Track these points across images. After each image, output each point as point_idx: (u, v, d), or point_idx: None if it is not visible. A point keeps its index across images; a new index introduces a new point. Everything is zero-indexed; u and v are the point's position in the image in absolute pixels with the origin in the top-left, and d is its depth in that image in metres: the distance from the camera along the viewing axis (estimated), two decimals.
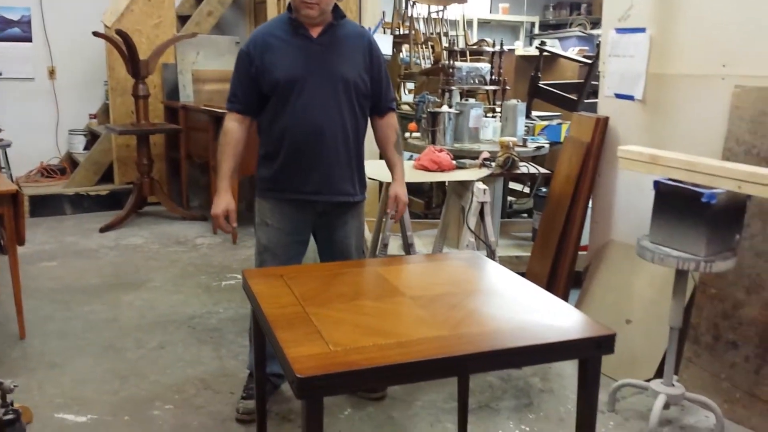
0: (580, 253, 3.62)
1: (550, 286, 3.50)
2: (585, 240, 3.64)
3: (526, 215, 5.45)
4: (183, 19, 6.52)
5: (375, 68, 2.58)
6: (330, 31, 2.50)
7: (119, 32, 5.31)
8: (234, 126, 2.56)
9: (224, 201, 2.57)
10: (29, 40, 6.43)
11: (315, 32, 2.49)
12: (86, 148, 6.59)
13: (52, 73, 6.55)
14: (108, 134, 6.09)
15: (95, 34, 5.58)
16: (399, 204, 2.68)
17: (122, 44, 5.35)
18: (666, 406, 2.62)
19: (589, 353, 1.70)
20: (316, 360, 1.52)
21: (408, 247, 3.36)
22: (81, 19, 6.25)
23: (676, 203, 2.44)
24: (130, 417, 2.68)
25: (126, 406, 2.76)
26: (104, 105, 6.66)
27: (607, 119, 3.38)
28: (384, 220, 3.33)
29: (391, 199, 2.68)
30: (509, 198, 5.67)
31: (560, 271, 3.56)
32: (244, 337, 3.36)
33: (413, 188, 5.68)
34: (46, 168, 6.54)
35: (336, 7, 2.53)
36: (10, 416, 2.36)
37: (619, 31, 3.29)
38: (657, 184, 2.50)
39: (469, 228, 3.16)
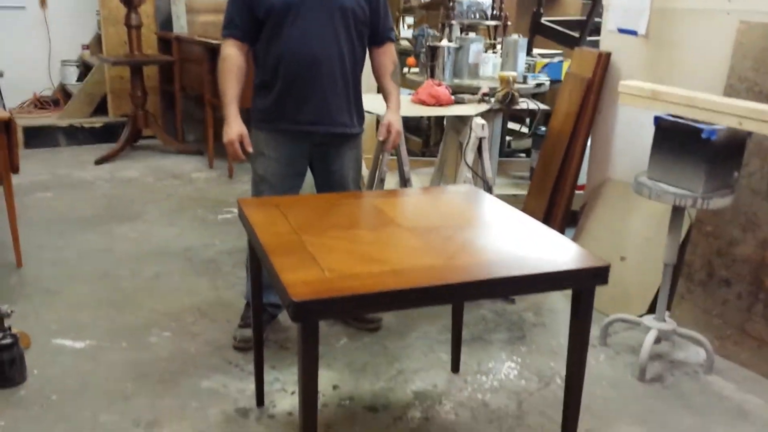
0: (577, 192, 3.62)
1: (546, 223, 3.48)
2: (583, 180, 3.63)
3: (524, 155, 5.41)
4: None
5: None
6: None
7: None
8: (233, 51, 2.49)
9: (235, 126, 2.47)
10: None
11: None
12: (79, 79, 6.48)
13: (43, 2, 6.38)
14: (101, 65, 5.99)
15: None
16: (392, 132, 2.60)
17: None
18: (657, 341, 2.66)
19: (582, 284, 1.71)
20: (311, 285, 1.52)
21: (405, 183, 3.34)
22: None
23: (675, 139, 2.42)
24: (127, 343, 2.71)
25: (123, 332, 2.79)
26: (96, 35, 6.52)
27: (609, 54, 3.32)
28: (381, 157, 3.31)
29: (383, 126, 2.61)
30: (507, 137, 5.62)
31: (556, 209, 3.56)
32: (240, 269, 3.38)
33: (411, 126, 5.64)
34: (40, 99, 6.45)
35: None
36: (7, 340, 2.40)
37: None
38: (657, 120, 2.47)
39: (466, 164, 3.14)
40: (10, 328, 2.44)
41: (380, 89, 2.71)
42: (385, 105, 2.67)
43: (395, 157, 3.26)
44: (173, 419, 2.23)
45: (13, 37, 6.24)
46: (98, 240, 3.78)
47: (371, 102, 3.01)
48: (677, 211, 2.52)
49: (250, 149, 2.50)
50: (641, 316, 2.77)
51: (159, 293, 3.16)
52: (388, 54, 2.65)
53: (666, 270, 2.62)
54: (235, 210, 4.29)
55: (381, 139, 2.63)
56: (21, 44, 6.30)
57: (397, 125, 2.62)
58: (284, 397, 2.39)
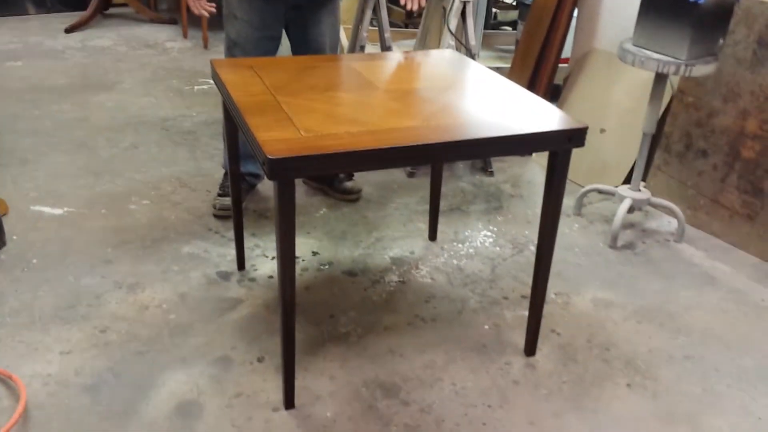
0: (561, 65, 3.55)
1: None
2: (568, 53, 3.56)
3: (510, 28, 5.27)
4: None
5: None
6: None
7: None
8: None
9: None
10: None
11: None
12: None
13: None
14: None
15: None
16: None
17: None
18: (630, 210, 2.70)
19: (559, 146, 1.71)
20: (287, 144, 1.50)
21: (386, 50, 3.25)
22: None
23: (662, 3, 2.35)
24: (106, 210, 2.72)
25: (102, 200, 2.79)
26: None
27: None
28: (361, 21, 3.19)
29: None
30: (493, 9, 5.44)
31: (539, 81, 3.51)
32: (218, 140, 3.34)
33: None
34: None
35: None
36: None
37: None
38: None
39: (449, 30, 3.05)
40: None
41: None
42: None
43: (376, 28, 3.15)
44: (155, 282, 2.28)
45: None
46: (73, 109, 3.70)
47: None
48: (660, 79, 2.49)
49: (212, 6, 2.41)
50: (617, 186, 2.80)
51: (137, 163, 3.13)
52: None
53: (644, 139, 2.62)
54: (211, 81, 4.18)
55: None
56: None
57: None
58: (264, 262, 2.43)
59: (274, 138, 1.53)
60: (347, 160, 1.53)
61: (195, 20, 5.10)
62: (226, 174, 2.76)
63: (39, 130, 3.42)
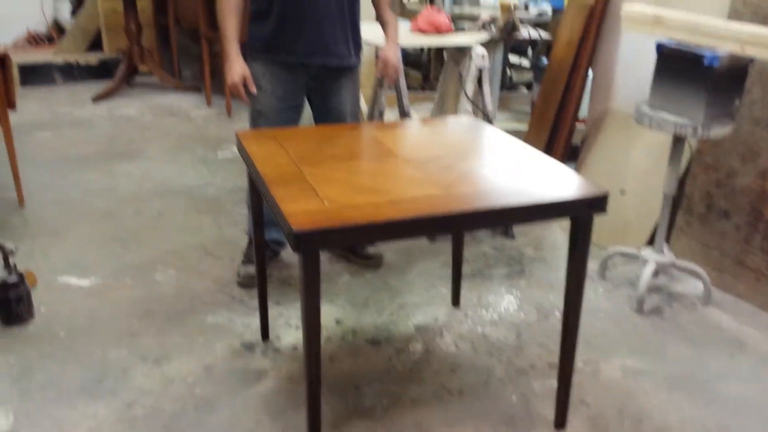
0: (578, 125, 3.59)
1: None
2: (585, 114, 3.60)
3: (525, 89, 5.35)
4: None
5: None
6: None
7: None
8: None
9: (238, 67, 2.41)
10: None
11: None
12: (73, 14, 6.35)
13: None
14: None
15: None
16: (389, 67, 2.59)
17: None
18: (655, 273, 2.68)
19: (580, 212, 1.71)
20: (311, 215, 1.53)
21: (404, 117, 3.31)
22: None
23: (677, 66, 2.38)
24: (132, 280, 2.75)
25: (128, 270, 2.82)
26: None
27: None
28: (379, 91, 3.27)
29: (380, 61, 2.59)
30: (509, 71, 5.54)
31: (557, 143, 3.54)
32: (242, 207, 3.39)
33: (411, 60, 5.55)
34: (33, 36, 6.34)
35: None
36: (13, 278, 2.42)
37: None
38: (660, 47, 2.43)
39: (466, 95, 3.11)
40: (15, 266, 2.46)
41: (378, 20, 2.65)
42: (383, 37, 2.62)
43: (394, 92, 3.22)
44: (181, 354, 2.28)
45: None
46: (100, 178, 3.78)
47: (369, 32, 2.95)
48: (678, 141, 2.50)
49: (253, 90, 2.46)
50: (640, 248, 2.78)
51: (163, 231, 3.18)
52: None
53: (665, 201, 2.62)
54: (235, 148, 4.28)
55: (378, 75, 2.61)
56: None
57: (395, 60, 2.58)
58: (289, 331, 2.43)
59: (300, 210, 1.56)
60: (370, 231, 1.55)
61: (218, 88, 5.24)
62: (250, 242, 2.79)
63: (67, 199, 3.49)
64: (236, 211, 3.40)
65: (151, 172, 3.91)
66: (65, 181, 3.73)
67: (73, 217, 3.30)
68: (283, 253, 2.90)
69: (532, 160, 1.94)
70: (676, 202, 2.86)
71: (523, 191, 1.71)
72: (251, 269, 2.64)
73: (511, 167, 1.90)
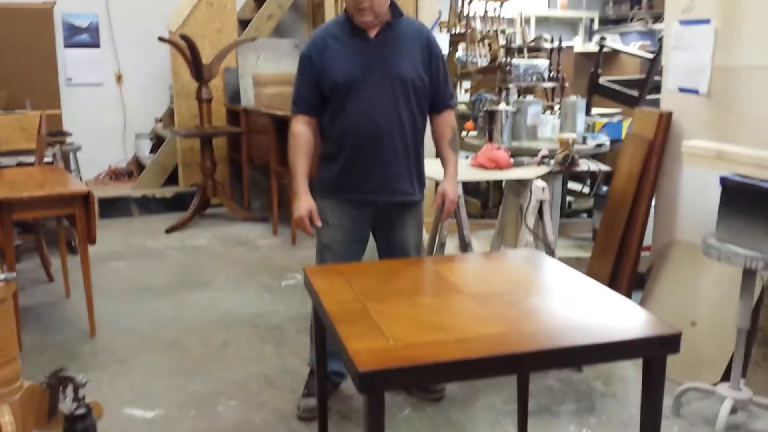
0: (642, 253, 3.55)
1: (611, 287, 3.37)
2: (648, 240, 3.56)
3: (585, 215, 5.35)
4: (244, 24, 6.67)
5: (434, 65, 2.57)
6: (387, 30, 2.51)
7: (183, 37, 5.47)
8: (302, 128, 2.58)
9: (305, 203, 2.55)
10: (97, 46, 6.69)
11: (372, 32, 2.50)
12: (152, 151, 6.81)
13: (119, 78, 6.80)
14: (173, 138, 6.28)
15: (161, 39, 5.76)
16: (447, 201, 2.66)
17: (186, 49, 5.51)
18: (733, 410, 2.54)
19: (653, 352, 1.67)
20: (376, 354, 1.53)
21: (465, 247, 3.34)
22: (146, 25, 6.47)
23: (743, 199, 2.37)
24: (195, 412, 2.76)
25: (192, 401, 2.84)
26: (169, 109, 6.87)
27: (670, 114, 3.30)
28: (441, 222, 3.33)
29: (438, 195, 2.66)
30: (568, 198, 5.58)
31: (622, 272, 3.49)
32: (304, 335, 3.41)
33: (470, 188, 5.66)
34: (114, 171, 6.79)
35: (393, 6, 2.52)
36: (81, 411, 2.46)
37: (683, 23, 3.21)
38: (723, 180, 2.43)
39: (527, 227, 3.14)
40: (84, 398, 2.51)
41: (438, 156, 2.75)
42: (443, 172, 2.71)
43: (455, 220, 3.28)
44: None
45: (91, 111, 6.62)
46: (170, 308, 3.90)
47: (432, 167, 3.05)
48: (748, 274, 2.44)
49: (318, 224, 2.57)
50: (715, 384, 2.65)
51: (226, 361, 3.22)
52: (447, 121, 2.69)
53: (739, 335, 2.52)
54: (298, 276, 4.37)
55: (436, 207, 2.68)
56: (98, 118, 6.67)
57: (452, 195, 2.66)
58: None
59: (365, 348, 1.56)
60: (436, 371, 1.53)
61: (285, 217, 5.43)
62: (311, 373, 2.79)
63: (137, 329, 3.60)
64: (298, 340, 3.42)
65: (218, 300, 4.02)
66: (136, 311, 3.85)
67: (141, 346, 3.38)
68: (342, 384, 2.88)
69: (599, 296, 1.92)
70: (750, 334, 2.74)
71: (592, 330, 1.68)
72: (312, 402, 2.62)
73: (577, 304, 1.88)
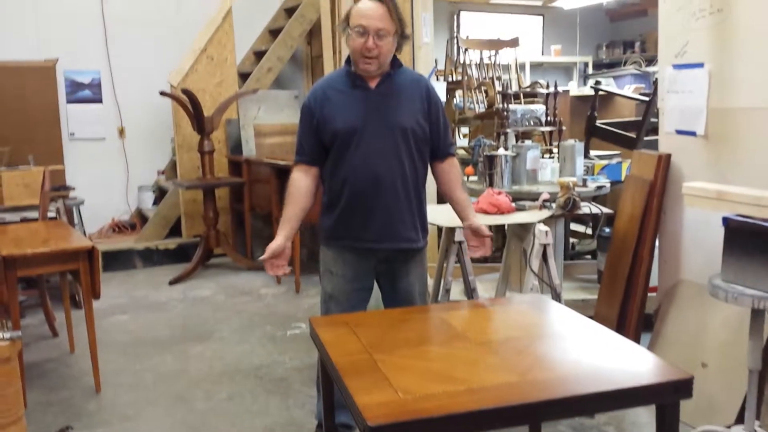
0: (649, 294, 3.53)
1: (619, 329, 3.41)
2: (654, 281, 3.55)
3: (589, 257, 5.35)
4: (244, 77, 6.79)
5: (433, 114, 2.61)
6: (387, 80, 2.55)
7: (185, 91, 5.55)
8: (298, 175, 2.62)
9: (274, 244, 2.57)
10: (100, 101, 6.79)
11: (373, 83, 2.55)
12: (155, 203, 6.84)
13: (121, 132, 6.88)
14: (176, 189, 6.32)
15: (162, 93, 5.85)
16: (485, 235, 2.62)
17: (188, 102, 5.60)
18: None
19: (666, 398, 1.65)
20: (386, 408, 1.52)
21: (470, 292, 3.33)
22: (148, 79, 6.57)
23: (747, 239, 2.37)
24: None
25: None
26: (171, 161, 6.93)
27: (669, 156, 3.33)
28: (445, 266, 3.33)
29: (475, 230, 2.62)
30: (571, 239, 5.58)
31: (630, 313, 3.47)
32: (310, 386, 3.38)
33: None
34: (117, 224, 6.81)
35: (393, 57, 2.58)
36: None
37: (677, 67, 3.27)
38: (726, 221, 2.43)
39: (532, 271, 3.13)
40: None
41: (451, 201, 2.72)
42: (456, 214, 2.71)
43: (458, 264, 3.28)
44: None
45: (94, 165, 6.68)
46: (173, 361, 3.87)
47: (433, 213, 3.06)
48: (757, 314, 2.43)
49: (281, 272, 2.59)
50: (729, 426, 2.62)
51: (231, 415, 3.18)
52: (453, 167, 2.71)
53: (751, 377, 2.50)
54: (303, 325, 4.35)
55: (473, 246, 2.65)
56: (101, 172, 6.73)
57: (486, 229, 2.64)
58: None
59: (374, 402, 1.55)
60: (447, 423, 1.51)
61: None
62: (319, 426, 2.75)
63: (140, 384, 3.56)
64: (304, 392, 3.38)
65: (222, 352, 3.98)
66: (140, 365, 3.82)
67: (145, 402, 3.34)
68: None
69: (609, 342, 1.91)
70: (762, 375, 2.71)
71: (604, 377, 1.67)
72: None
73: (588, 350, 1.87)
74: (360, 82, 2.54)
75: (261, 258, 2.58)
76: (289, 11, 7.11)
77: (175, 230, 6.44)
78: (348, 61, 2.58)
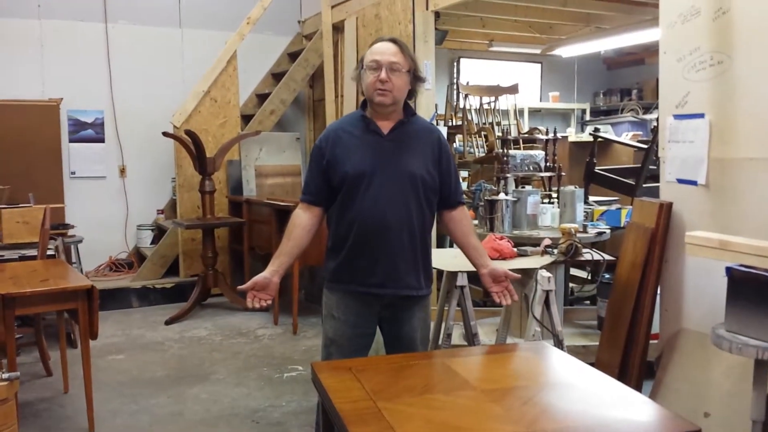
0: (650, 341, 3.51)
1: (621, 376, 3.38)
2: (656, 328, 3.54)
3: (588, 302, 5.34)
4: (246, 118, 6.85)
5: (444, 163, 2.63)
6: (400, 127, 2.58)
7: (188, 132, 5.60)
8: (299, 212, 2.62)
9: (258, 276, 2.56)
10: (102, 140, 6.83)
11: (386, 129, 2.58)
12: (153, 242, 6.83)
13: (122, 171, 6.91)
14: (175, 228, 6.31)
15: (165, 134, 5.89)
16: (510, 278, 2.62)
17: (190, 143, 5.63)
18: None
19: None
20: None
21: (472, 337, 3.32)
22: (150, 120, 6.64)
23: (750, 289, 2.37)
24: None
25: None
26: (171, 200, 6.95)
27: (670, 204, 3.35)
28: (446, 309, 3.32)
29: (498, 275, 2.62)
30: (571, 285, 5.58)
31: (632, 361, 3.44)
32: (308, 431, 3.33)
33: (472, 276, 5.66)
34: (115, 262, 6.79)
35: (407, 105, 2.62)
36: None
37: (677, 117, 3.31)
38: (729, 271, 2.44)
39: (534, 317, 3.12)
40: None
41: (467, 248, 2.71)
42: (470, 261, 2.71)
43: (459, 308, 3.27)
44: None
45: (93, 204, 6.70)
46: (169, 403, 3.82)
47: (435, 258, 3.05)
48: (760, 364, 2.42)
49: (261, 304, 2.56)
50: None
51: None
52: (465, 215, 2.72)
53: (754, 427, 2.47)
54: (300, 367, 4.31)
55: (498, 290, 2.63)
56: (100, 210, 6.74)
57: (507, 270, 2.64)
58: None
59: None
60: None
61: (285, 307, 5.40)
62: None
63: (136, 426, 3.51)
64: None
65: (219, 395, 3.93)
66: (135, 407, 3.77)
67: None
68: None
69: (614, 393, 1.89)
70: (766, 426, 2.69)
71: (611, 429, 1.65)
72: None
73: (593, 400, 1.85)
74: (373, 127, 2.57)
75: (241, 288, 2.55)
76: (293, 56, 7.22)
77: (172, 269, 6.42)
78: (363, 105, 2.61)
